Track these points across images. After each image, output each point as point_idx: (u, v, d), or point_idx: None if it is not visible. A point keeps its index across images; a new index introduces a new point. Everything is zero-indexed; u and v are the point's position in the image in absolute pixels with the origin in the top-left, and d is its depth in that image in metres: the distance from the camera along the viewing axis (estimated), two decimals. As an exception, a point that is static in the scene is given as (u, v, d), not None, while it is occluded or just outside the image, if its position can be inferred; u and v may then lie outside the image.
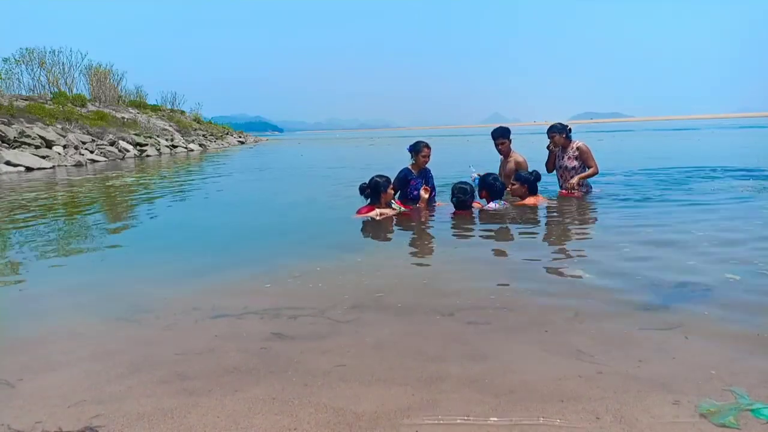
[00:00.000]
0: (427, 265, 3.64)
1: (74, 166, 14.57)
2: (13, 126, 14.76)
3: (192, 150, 25.20)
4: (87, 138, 17.79)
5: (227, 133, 38.67)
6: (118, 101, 26.86)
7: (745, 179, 7.30)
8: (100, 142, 18.30)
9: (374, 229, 4.77)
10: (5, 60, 21.08)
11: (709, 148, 16.96)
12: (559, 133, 5.92)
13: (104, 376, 2.03)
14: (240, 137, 40.52)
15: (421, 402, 1.76)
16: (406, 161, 5.55)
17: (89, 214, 6.43)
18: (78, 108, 20.93)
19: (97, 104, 23.84)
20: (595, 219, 5.08)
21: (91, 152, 16.85)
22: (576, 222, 4.89)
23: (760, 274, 2.99)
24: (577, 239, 4.20)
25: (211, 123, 40.18)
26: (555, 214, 5.14)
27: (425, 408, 1.72)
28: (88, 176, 11.42)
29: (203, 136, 31.38)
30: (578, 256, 3.58)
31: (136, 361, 2.15)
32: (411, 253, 3.98)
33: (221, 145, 31.18)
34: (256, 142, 42.87)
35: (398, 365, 2.05)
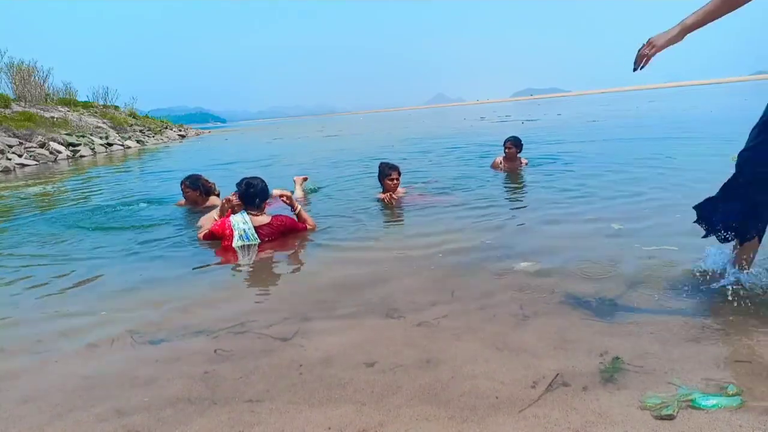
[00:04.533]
0: (366, 266, 3.45)
1: (2, 172, 13.88)
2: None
3: (129, 147, 24.27)
4: (13, 141, 16.92)
5: (166, 127, 37.34)
6: (46, 100, 25.54)
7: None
8: (28, 144, 17.41)
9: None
10: None
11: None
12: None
13: (35, 420, 1.88)
14: (180, 130, 39.13)
15: (373, 422, 1.72)
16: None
17: None
18: (1, 109, 19.96)
19: (22, 104, 22.63)
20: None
21: (20, 156, 16.08)
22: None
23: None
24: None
25: (148, 117, 38.82)
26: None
27: (378, 428, 1.69)
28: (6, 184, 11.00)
29: (140, 131, 30.23)
30: (506, 246, 3.62)
31: (69, 398, 2.01)
32: (346, 254, 3.75)
33: (160, 141, 30.17)
34: (198, 134, 41.69)
35: (348, 380, 2.00)
